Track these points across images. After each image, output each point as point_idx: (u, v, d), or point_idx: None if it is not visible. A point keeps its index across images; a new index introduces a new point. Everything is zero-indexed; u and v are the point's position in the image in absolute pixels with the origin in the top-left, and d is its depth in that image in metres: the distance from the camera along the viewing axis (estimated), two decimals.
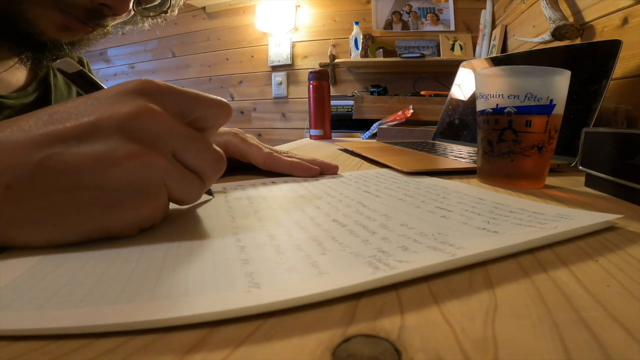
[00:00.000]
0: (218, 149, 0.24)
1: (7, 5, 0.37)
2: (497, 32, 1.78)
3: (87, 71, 0.28)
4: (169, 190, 0.22)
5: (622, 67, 0.70)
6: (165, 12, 0.51)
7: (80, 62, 0.65)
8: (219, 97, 0.24)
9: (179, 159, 0.22)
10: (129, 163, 0.19)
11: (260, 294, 0.14)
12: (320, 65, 2.28)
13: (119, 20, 0.47)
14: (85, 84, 0.28)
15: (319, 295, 0.14)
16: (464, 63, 0.89)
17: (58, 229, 0.19)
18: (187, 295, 0.14)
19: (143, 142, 0.20)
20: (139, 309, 0.13)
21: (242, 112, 2.57)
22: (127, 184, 0.20)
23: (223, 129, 0.46)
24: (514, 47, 1.63)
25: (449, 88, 0.93)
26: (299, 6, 2.39)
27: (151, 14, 0.50)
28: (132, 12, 0.47)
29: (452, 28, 2.18)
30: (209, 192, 0.32)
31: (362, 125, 1.45)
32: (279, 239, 0.21)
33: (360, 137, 1.22)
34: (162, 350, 0.11)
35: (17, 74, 0.51)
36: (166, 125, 0.21)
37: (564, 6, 0.99)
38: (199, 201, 0.29)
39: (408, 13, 2.23)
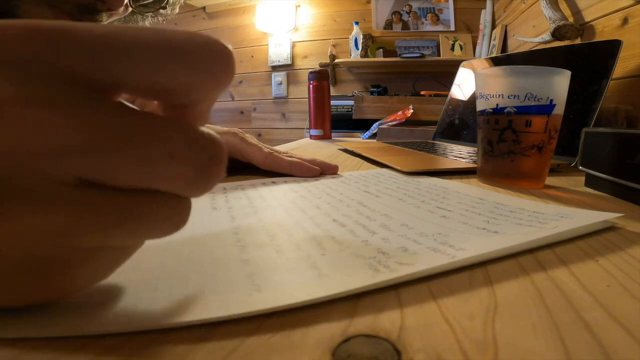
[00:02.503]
0: (204, 136, 0.12)
1: None
2: (497, 32, 1.78)
3: None
4: (97, 250, 0.12)
5: (622, 67, 0.70)
6: (164, 7, 0.51)
7: None
8: (197, 34, 0.11)
9: (104, 186, 0.11)
10: None
11: (260, 298, 0.14)
12: (320, 65, 2.28)
13: (115, 17, 0.46)
14: None
15: (319, 299, 0.14)
16: (464, 63, 0.89)
17: None
18: (187, 297, 0.14)
19: None
20: (140, 314, 0.13)
21: (242, 112, 2.57)
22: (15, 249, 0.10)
23: (222, 128, 0.46)
24: (514, 47, 1.63)
25: (449, 88, 0.93)
26: (299, 6, 2.38)
27: (150, 11, 0.50)
28: (129, 10, 0.46)
29: (452, 28, 2.18)
30: None
31: (362, 125, 1.45)
32: (279, 239, 0.21)
33: (360, 137, 1.22)
34: (162, 350, 0.11)
35: None
36: (28, 140, 0.10)
37: (564, 6, 0.99)
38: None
39: (408, 13, 2.23)
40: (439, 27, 2.19)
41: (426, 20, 2.21)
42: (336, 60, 2.24)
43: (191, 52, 0.11)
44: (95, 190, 0.11)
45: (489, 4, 1.97)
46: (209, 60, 0.11)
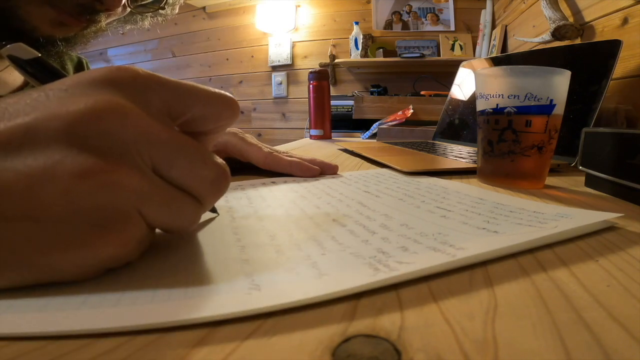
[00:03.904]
0: (219, 160, 0.18)
1: None
2: (497, 32, 1.78)
3: (46, 59, 0.22)
4: (148, 219, 0.16)
5: (622, 67, 0.70)
6: (162, 7, 0.50)
7: (80, 62, 0.64)
8: (221, 91, 0.19)
9: (162, 175, 0.16)
10: (79, 184, 0.13)
11: (260, 297, 0.14)
12: (320, 65, 2.28)
13: (114, 17, 0.46)
14: (46, 75, 0.21)
15: (318, 297, 0.14)
16: (464, 63, 0.89)
17: None
18: (187, 297, 0.14)
19: (104, 153, 0.14)
20: (140, 312, 0.13)
21: (242, 112, 2.57)
22: (76, 214, 0.14)
23: None
24: (514, 47, 1.63)
25: (449, 88, 0.93)
26: (299, 6, 2.38)
27: (149, 10, 0.50)
28: (128, 9, 0.46)
29: (452, 28, 2.18)
30: (213, 210, 0.26)
31: (362, 125, 1.45)
32: (279, 239, 0.21)
33: (360, 137, 1.22)
34: (162, 350, 0.11)
35: (15, 74, 0.50)
36: (139, 129, 0.15)
37: (564, 6, 0.99)
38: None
39: (408, 13, 2.23)
40: (439, 27, 2.19)
41: (426, 20, 2.21)
42: (336, 60, 2.24)
43: (217, 97, 0.19)
44: (160, 177, 0.16)
45: (489, 4, 1.97)
46: (225, 103, 0.19)
